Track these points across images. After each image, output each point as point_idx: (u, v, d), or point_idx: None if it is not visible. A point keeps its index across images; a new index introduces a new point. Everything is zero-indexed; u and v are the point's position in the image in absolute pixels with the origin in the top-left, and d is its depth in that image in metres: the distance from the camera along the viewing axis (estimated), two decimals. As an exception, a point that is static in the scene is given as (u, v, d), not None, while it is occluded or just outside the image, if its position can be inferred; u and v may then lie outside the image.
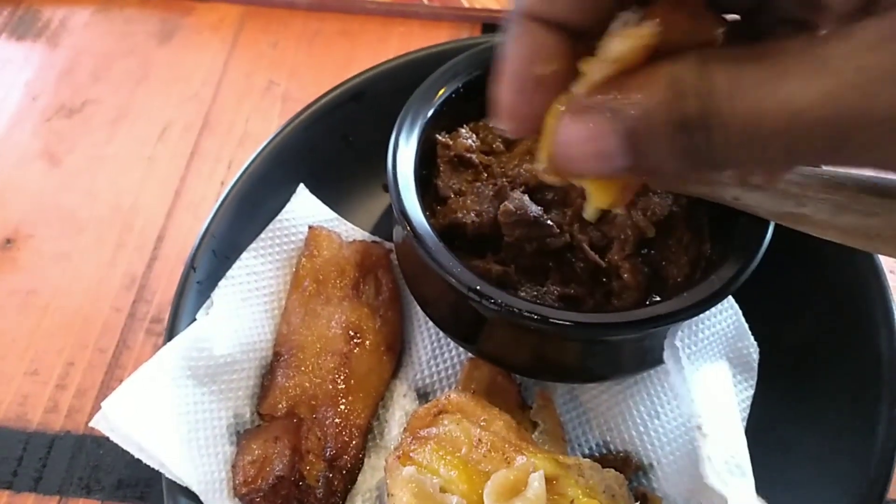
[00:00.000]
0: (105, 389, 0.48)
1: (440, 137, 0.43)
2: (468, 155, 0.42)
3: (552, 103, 0.26)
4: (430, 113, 0.42)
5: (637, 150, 0.24)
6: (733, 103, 0.22)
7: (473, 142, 0.43)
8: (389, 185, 0.39)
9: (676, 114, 0.23)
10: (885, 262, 0.43)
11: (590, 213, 0.30)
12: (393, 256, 0.49)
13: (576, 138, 0.24)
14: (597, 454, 0.43)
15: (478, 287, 0.35)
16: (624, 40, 0.24)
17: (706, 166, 0.24)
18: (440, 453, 0.37)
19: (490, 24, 0.68)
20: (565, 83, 0.26)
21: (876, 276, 0.42)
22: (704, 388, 0.38)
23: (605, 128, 0.24)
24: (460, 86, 0.44)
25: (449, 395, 0.40)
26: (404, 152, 0.40)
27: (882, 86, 0.21)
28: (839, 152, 0.22)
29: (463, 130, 0.43)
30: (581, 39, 0.26)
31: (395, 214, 0.39)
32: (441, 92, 0.42)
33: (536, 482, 0.33)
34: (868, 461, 0.40)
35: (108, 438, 0.38)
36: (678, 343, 0.38)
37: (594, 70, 0.24)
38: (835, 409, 0.42)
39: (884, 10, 0.22)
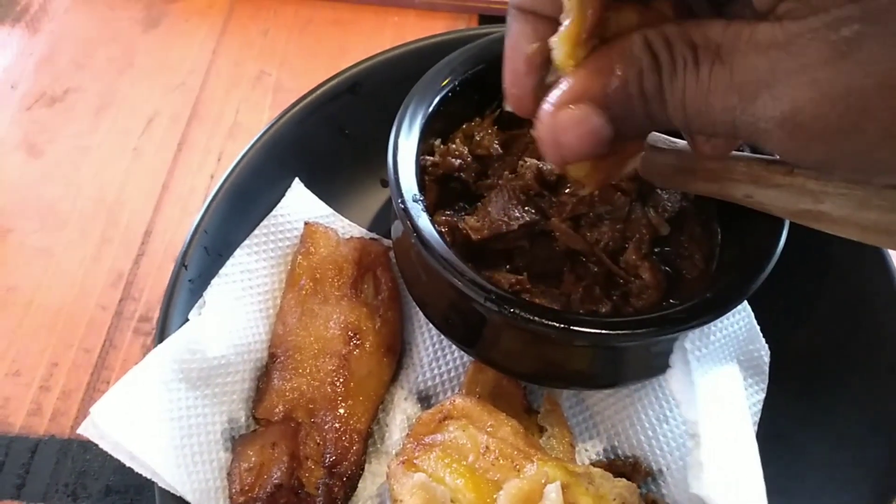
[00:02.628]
0: (91, 391, 0.46)
1: (429, 158, 0.41)
2: (457, 174, 0.41)
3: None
4: (431, 106, 0.40)
5: (617, 120, 0.27)
6: (682, 99, 0.26)
7: (463, 160, 0.41)
8: (390, 181, 0.37)
9: (637, 87, 0.27)
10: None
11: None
12: (391, 254, 0.47)
13: (565, 125, 0.28)
14: (604, 459, 0.42)
15: (492, 293, 0.33)
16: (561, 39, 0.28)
17: (673, 130, 0.28)
18: (446, 461, 0.36)
19: (487, 16, 0.66)
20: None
21: (888, 280, 0.42)
22: (710, 393, 0.37)
23: (587, 110, 0.27)
24: (462, 79, 0.42)
25: (454, 401, 0.38)
26: (405, 146, 0.39)
27: (834, 105, 0.22)
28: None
29: (453, 146, 0.42)
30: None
31: (394, 211, 0.37)
32: (444, 83, 0.41)
33: (553, 493, 0.32)
34: (879, 467, 0.39)
35: (95, 444, 0.36)
36: (688, 345, 0.37)
37: (557, 56, 0.28)
38: (846, 413, 0.41)
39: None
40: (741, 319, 0.41)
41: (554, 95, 0.28)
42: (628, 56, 0.26)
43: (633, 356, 0.39)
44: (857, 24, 0.21)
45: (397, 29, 0.65)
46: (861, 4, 0.21)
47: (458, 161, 0.41)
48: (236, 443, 0.39)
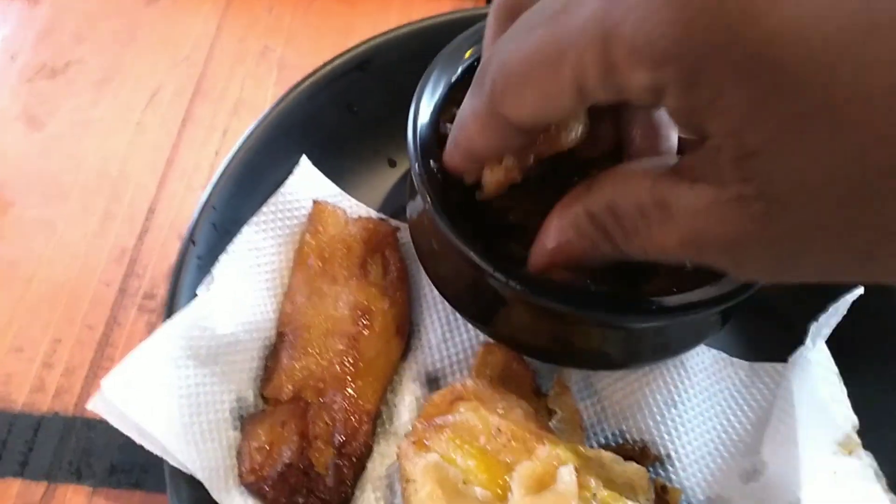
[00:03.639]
0: (95, 368, 0.45)
1: (449, 125, 0.40)
2: None
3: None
4: (454, 76, 0.39)
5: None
6: (641, 248, 0.28)
7: None
8: (410, 155, 0.37)
9: (594, 251, 0.30)
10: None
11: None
12: (400, 234, 0.47)
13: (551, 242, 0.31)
14: (613, 444, 0.42)
15: (503, 265, 0.33)
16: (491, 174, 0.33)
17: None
18: (457, 442, 0.36)
19: (495, -5, 0.65)
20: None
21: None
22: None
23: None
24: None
25: (465, 382, 0.38)
26: (426, 113, 0.38)
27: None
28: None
29: None
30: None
31: (415, 186, 0.37)
32: (466, 55, 0.40)
33: (567, 475, 0.31)
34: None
35: (99, 420, 0.35)
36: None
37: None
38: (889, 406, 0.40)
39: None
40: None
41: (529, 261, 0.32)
42: (578, 231, 0.30)
43: (647, 337, 0.38)
44: (758, 201, 0.23)
45: (403, 6, 0.64)
46: (755, 184, 0.22)
47: None
48: (245, 421, 0.39)
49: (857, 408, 0.36)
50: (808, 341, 0.38)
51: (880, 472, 0.33)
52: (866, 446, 0.35)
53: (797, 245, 0.23)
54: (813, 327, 0.38)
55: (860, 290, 0.38)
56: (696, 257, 0.26)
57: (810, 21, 0.19)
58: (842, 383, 0.36)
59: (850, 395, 0.36)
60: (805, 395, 0.36)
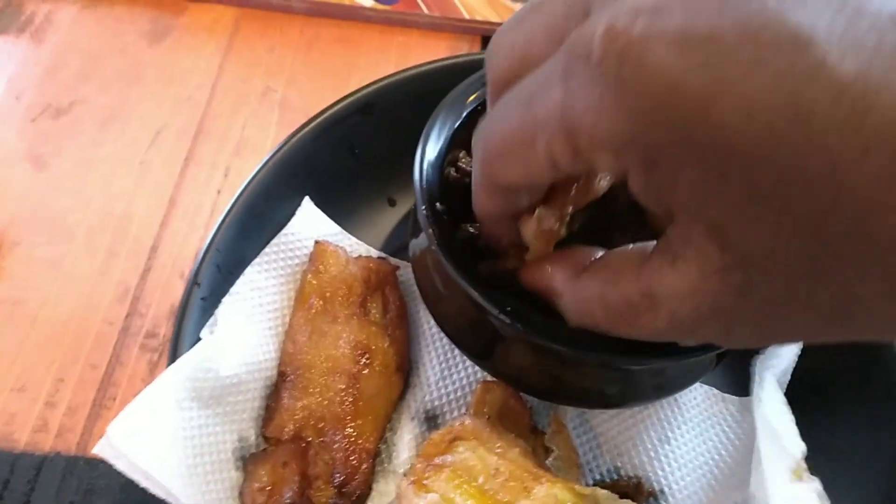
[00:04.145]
0: (97, 408, 0.46)
1: (453, 169, 0.41)
2: None
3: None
4: (459, 119, 0.41)
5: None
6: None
7: None
8: (416, 196, 0.38)
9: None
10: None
11: None
12: (400, 273, 0.48)
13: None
14: (608, 480, 0.43)
15: (505, 306, 0.34)
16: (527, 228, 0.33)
17: None
18: (456, 482, 0.37)
19: (488, 36, 0.67)
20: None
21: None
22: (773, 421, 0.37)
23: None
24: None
25: (464, 421, 0.39)
26: (431, 155, 0.39)
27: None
28: None
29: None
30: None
31: (418, 224, 0.38)
32: (471, 99, 0.41)
33: (565, 517, 0.32)
34: (878, 485, 0.40)
35: (101, 460, 0.35)
36: (767, 374, 0.38)
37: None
38: (851, 436, 0.42)
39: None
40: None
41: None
42: (572, 312, 0.32)
43: (646, 378, 0.39)
44: (737, 270, 0.24)
45: (402, 48, 0.66)
46: (734, 254, 0.24)
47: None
48: (247, 462, 0.40)
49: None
50: (756, 376, 0.40)
51: (824, 494, 0.35)
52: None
53: (777, 310, 0.24)
54: (757, 363, 0.40)
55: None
56: (687, 336, 0.28)
57: (754, 110, 0.21)
58: (790, 413, 0.38)
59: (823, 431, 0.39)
60: (764, 427, 0.38)
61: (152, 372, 0.47)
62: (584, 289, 0.31)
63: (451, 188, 0.41)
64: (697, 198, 0.23)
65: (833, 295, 0.23)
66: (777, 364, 0.40)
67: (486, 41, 0.67)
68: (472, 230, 0.39)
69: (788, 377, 0.42)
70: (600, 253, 0.32)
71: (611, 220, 0.37)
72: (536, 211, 0.33)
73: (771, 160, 0.21)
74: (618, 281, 0.29)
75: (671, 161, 0.23)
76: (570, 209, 0.33)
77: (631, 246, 0.31)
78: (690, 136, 0.22)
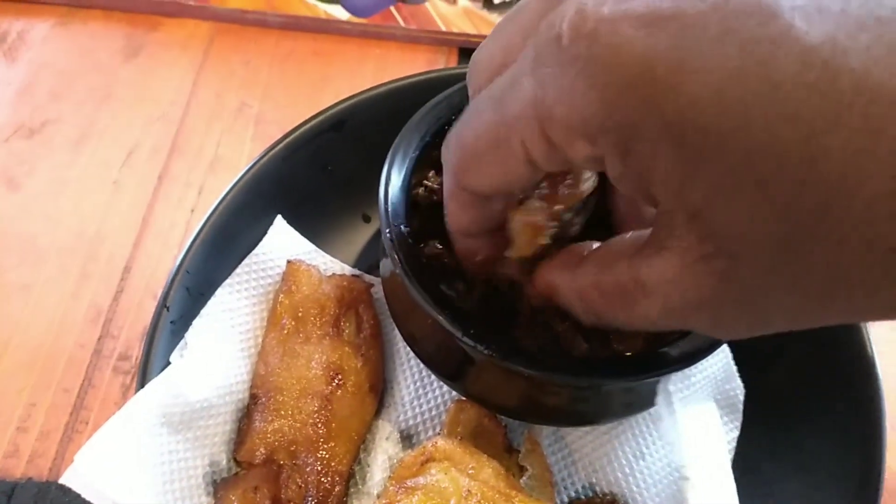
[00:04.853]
0: (70, 432, 0.45)
1: (420, 189, 0.41)
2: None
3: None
4: (425, 139, 0.41)
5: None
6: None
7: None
8: (380, 211, 0.38)
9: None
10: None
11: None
12: (374, 290, 0.47)
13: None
14: (583, 496, 0.43)
15: (472, 331, 0.34)
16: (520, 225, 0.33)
17: None
18: (428, 505, 0.36)
19: (467, 49, 0.67)
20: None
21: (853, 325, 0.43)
22: (695, 434, 0.38)
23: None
24: (458, 114, 0.43)
25: (436, 442, 0.39)
26: (397, 177, 0.39)
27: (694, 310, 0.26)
28: None
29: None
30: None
31: (384, 247, 0.38)
32: (440, 116, 0.41)
33: (534, 540, 0.32)
34: (848, 497, 0.40)
35: (75, 488, 0.35)
36: (671, 388, 0.38)
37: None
38: (818, 450, 0.42)
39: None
40: (720, 360, 0.42)
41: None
42: (567, 303, 0.32)
43: (616, 395, 0.39)
44: (719, 258, 0.24)
45: (379, 61, 0.66)
46: (713, 241, 0.24)
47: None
48: (218, 487, 0.39)
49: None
50: (670, 387, 0.40)
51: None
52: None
53: (762, 296, 0.24)
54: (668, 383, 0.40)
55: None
56: (679, 324, 0.27)
57: (723, 83, 0.21)
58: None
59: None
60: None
61: (125, 395, 0.47)
62: (581, 276, 0.30)
63: (418, 209, 0.41)
64: (675, 182, 0.23)
65: (816, 273, 0.22)
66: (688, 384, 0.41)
67: (463, 53, 0.67)
68: (439, 247, 0.39)
69: (739, 393, 0.43)
70: (597, 245, 0.32)
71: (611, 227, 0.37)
72: (526, 202, 0.32)
73: (743, 135, 0.21)
74: (612, 267, 0.28)
75: (646, 143, 0.23)
76: (560, 208, 0.32)
77: (629, 234, 0.30)
78: (662, 114, 0.22)
